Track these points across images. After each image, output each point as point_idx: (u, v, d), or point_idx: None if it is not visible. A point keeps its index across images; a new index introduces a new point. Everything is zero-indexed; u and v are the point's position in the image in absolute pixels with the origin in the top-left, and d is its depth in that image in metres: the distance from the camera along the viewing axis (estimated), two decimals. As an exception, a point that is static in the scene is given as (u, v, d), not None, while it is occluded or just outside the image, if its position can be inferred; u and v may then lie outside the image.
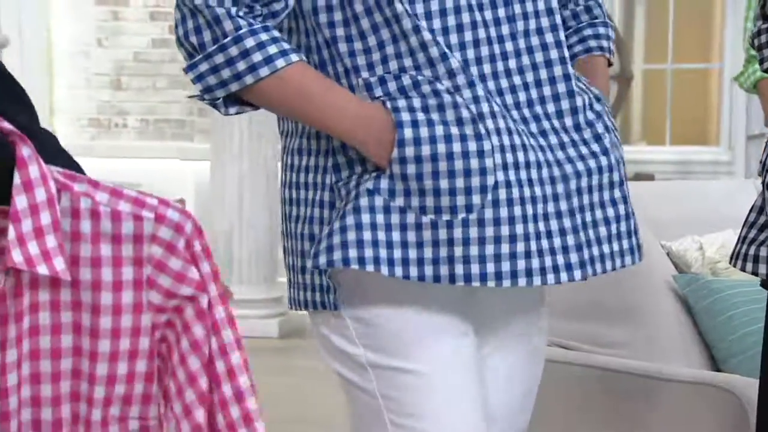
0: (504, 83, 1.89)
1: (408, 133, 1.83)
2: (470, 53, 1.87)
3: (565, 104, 1.93)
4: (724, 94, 7.79)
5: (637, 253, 2.00)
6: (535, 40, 1.92)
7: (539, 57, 1.92)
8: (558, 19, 1.95)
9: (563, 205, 1.89)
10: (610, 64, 2.17)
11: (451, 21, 1.87)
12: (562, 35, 1.95)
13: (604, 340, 2.91)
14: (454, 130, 1.83)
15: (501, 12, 1.90)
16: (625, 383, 2.77)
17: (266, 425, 1.53)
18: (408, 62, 1.86)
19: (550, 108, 1.92)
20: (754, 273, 2.07)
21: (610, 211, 1.95)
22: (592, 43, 2.15)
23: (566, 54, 1.94)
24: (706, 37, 8.02)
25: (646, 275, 2.97)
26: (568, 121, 1.93)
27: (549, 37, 1.93)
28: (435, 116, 1.84)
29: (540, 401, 2.92)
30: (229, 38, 1.81)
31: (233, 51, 1.82)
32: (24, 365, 1.43)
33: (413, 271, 1.83)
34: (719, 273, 3.03)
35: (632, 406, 2.76)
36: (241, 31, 1.81)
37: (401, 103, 1.84)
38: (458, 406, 1.90)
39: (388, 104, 1.84)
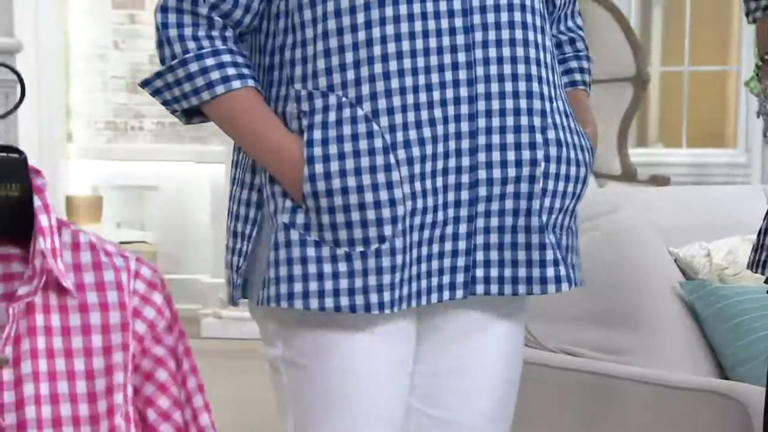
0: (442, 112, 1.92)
1: (319, 168, 1.88)
2: (408, 80, 1.89)
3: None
4: (741, 97, 7.77)
5: (553, 284, 1.98)
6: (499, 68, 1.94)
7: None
8: (531, 53, 1.95)
9: (462, 228, 1.93)
10: None
11: (405, 46, 1.89)
12: (535, 69, 1.95)
13: (610, 346, 2.91)
14: (365, 162, 1.87)
15: (460, 39, 1.91)
16: (630, 390, 2.77)
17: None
18: (337, 79, 1.90)
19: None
20: None
21: (522, 237, 1.96)
22: (578, 76, 2.17)
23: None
24: (723, 39, 8.00)
25: (652, 282, 2.97)
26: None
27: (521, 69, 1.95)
28: (348, 147, 1.88)
29: (544, 408, 2.92)
30: (176, 60, 1.91)
31: (180, 73, 1.91)
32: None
33: (329, 303, 1.90)
34: (727, 279, 3.03)
35: (637, 413, 2.76)
36: (188, 55, 1.90)
37: (316, 134, 1.89)
38: (371, 411, 1.98)
39: (305, 136, 1.89)
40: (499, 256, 1.96)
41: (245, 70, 1.92)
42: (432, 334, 2.06)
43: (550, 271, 1.97)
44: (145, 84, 1.96)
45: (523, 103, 1.93)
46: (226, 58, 1.91)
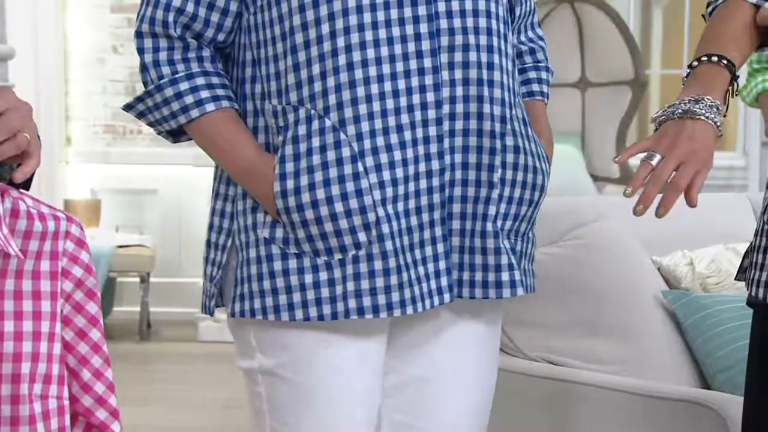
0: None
1: (289, 184, 1.92)
2: (374, 88, 1.92)
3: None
4: (739, 100, 7.77)
5: (508, 289, 2.00)
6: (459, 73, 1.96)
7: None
8: (494, 59, 1.97)
9: (437, 231, 1.97)
10: None
11: (370, 53, 1.91)
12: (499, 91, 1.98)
13: (593, 356, 2.91)
14: (333, 173, 1.91)
15: (426, 45, 1.93)
16: (609, 399, 2.78)
17: None
18: (306, 92, 1.93)
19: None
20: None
21: (478, 242, 1.98)
22: (536, 87, 2.19)
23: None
24: (722, 42, 7.99)
25: (635, 290, 2.98)
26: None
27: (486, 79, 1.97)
28: (316, 159, 1.91)
29: (523, 416, 2.93)
30: (153, 86, 1.97)
31: (157, 97, 1.97)
32: None
33: (313, 312, 1.94)
34: (709, 288, 3.03)
35: (616, 422, 2.77)
36: (162, 81, 1.96)
37: (288, 150, 1.93)
38: (343, 419, 2.00)
39: (279, 153, 1.94)
40: (459, 259, 1.99)
41: (219, 91, 1.96)
42: (402, 342, 2.08)
43: (505, 276, 1.99)
44: (128, 108, 2.02)
45: (486, 108, 1.96)
46: (200, 81, 1.96)
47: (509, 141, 1.99)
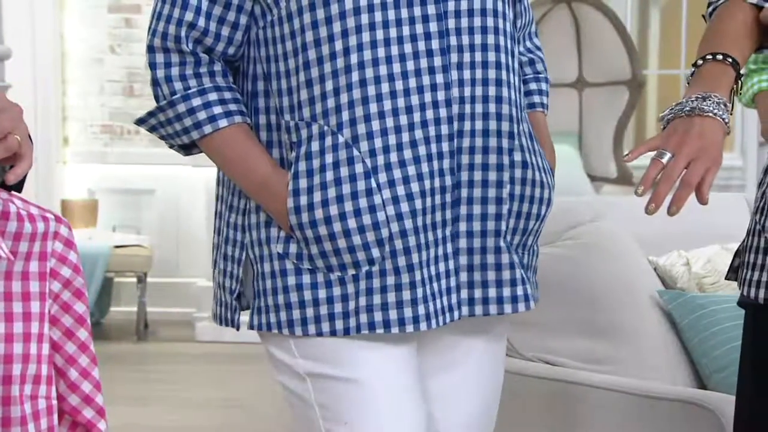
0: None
1: (303, 200, 1.92)
2: (387, 104, 1.92)
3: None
4: (737, 100, 7.77)
5: (522, 303, 2.02)
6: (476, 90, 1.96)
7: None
8: (503, 75, 1.98)
9: (449, 248, 1.97)
10: None
11: (383, 70, 1.91)
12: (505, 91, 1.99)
13: (590, 356, 2.91)
14: (347, 189, 1.91)
15: (437, 61, 1.94)
16: (606, 399, 2.78)
17: None
18: (319, 108, 1.93)
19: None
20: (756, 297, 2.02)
21: (491, 258, 1.99)
22: (536, 98, 2.19)
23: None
24: (720, 42, 8.00)
25: (632, 290, 2.98)
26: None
27: (491, 90, 1.97)
28: (330, 176, 1.91)
29: (520, 417, 2.93)
30: (165, 101, 1.96)
31: (170, 113, 1.97)
32: None
33: (325, 327, 1.95)
34: (705, 288, 3.04)
35: (613, 422, 2.77)
36: (175, 96, 1.95)
37: (302, 166, 1.93)
38: (397, 412, 1.97)
39: (293, 168, 1.94)
40: (469, 277, 1.99)
41: (232, 106, 1.96)
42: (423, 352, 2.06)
43: (519, 290, 2.01)
44: (140, 122, 2.02)
45: (493, 125, 1.97)
46: (213, 96, 1.95)
47: (517, 156, 1.99)
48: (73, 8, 7.53)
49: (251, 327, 2.00)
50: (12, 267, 1.64)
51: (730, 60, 1.93)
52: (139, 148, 7.55)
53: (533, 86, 2.18)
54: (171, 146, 2.04)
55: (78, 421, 1.74)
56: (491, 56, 1.97)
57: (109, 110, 7.55)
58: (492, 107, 1.96)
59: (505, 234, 1.99)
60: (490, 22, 1.97)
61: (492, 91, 1.96)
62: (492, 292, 1.99)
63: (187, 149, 2.04)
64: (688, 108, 1.88)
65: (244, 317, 2.03)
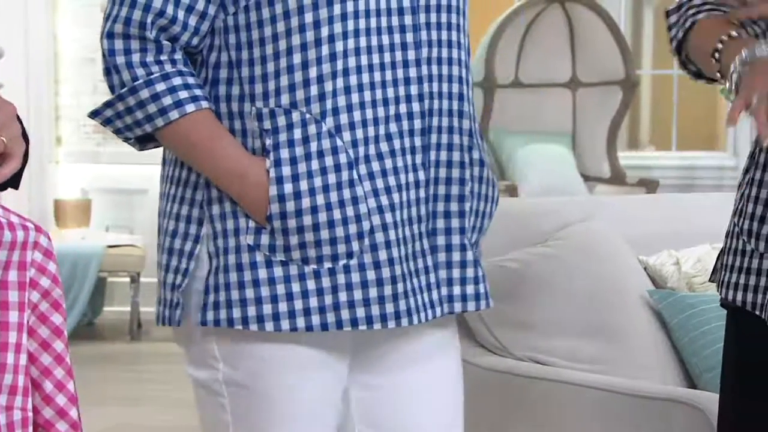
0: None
1: (288, 188, 1.87)
2: (367, 95, 1.91)
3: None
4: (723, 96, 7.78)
5: (484, 301, 2.02)
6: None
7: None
8: (463, 73, 1.99)
9: (426, 244, 1.96)
10: None
11: (364, 60, 1.91)
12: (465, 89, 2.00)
13: (580, 355, 2.92)
14: (331, 179, 1.87)
15: (411, 55, 1.94)
16: (597, 398, 2.78)
17: None
18: (300, 95, 1.89)
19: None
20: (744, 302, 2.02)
21: (457, 255, 1.99)
22: None
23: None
24: (713, 42, 8.00)
25: (621, 290, 2.99)
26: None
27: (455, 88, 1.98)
28: (314, 165, 1.87)
29: (513, 415, 2.94)
30: (125, 88, 1.88)
31: (131, 101, 1.88)
32: None
33: (300, 323, 1.89)
34: (695, 288, 3.04)
35: (601, 421, 2.77)
36: (137, 82, 1.87)
37: (284, 153, 1.87)
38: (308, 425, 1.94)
39: (271, 156, 1.88)
40: (448, 275, 1.99)
41: (198, 91, 1.89)
42: (368, 355, 2.02)
43: (481, 288, 2.01)
44: (94, 115, 1.93)
45: (456, 122, 1.98)
46: (177, 81, 1.87)
47: (475, 155, 2.00)
48: (66, 8, 7.52)
49: (203, 323, 1.90)
50: None
51: (744, 33, 1.98)
52: (132, 148, 7.53)
53: None
54: (127, 140, 1.94)
55: None
56: (455, 53, 1.97)
57: (102, 110, 7.55)
58: (455, 104, 1.97)
59: (469, 231, 2.00)
60: (454, 18, 1.98)
61: (456, 88, 1.97)
62: (457, 290, 1.98)
63: (143, 143, 1.96)
64: (761, 52, 1.90)
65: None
